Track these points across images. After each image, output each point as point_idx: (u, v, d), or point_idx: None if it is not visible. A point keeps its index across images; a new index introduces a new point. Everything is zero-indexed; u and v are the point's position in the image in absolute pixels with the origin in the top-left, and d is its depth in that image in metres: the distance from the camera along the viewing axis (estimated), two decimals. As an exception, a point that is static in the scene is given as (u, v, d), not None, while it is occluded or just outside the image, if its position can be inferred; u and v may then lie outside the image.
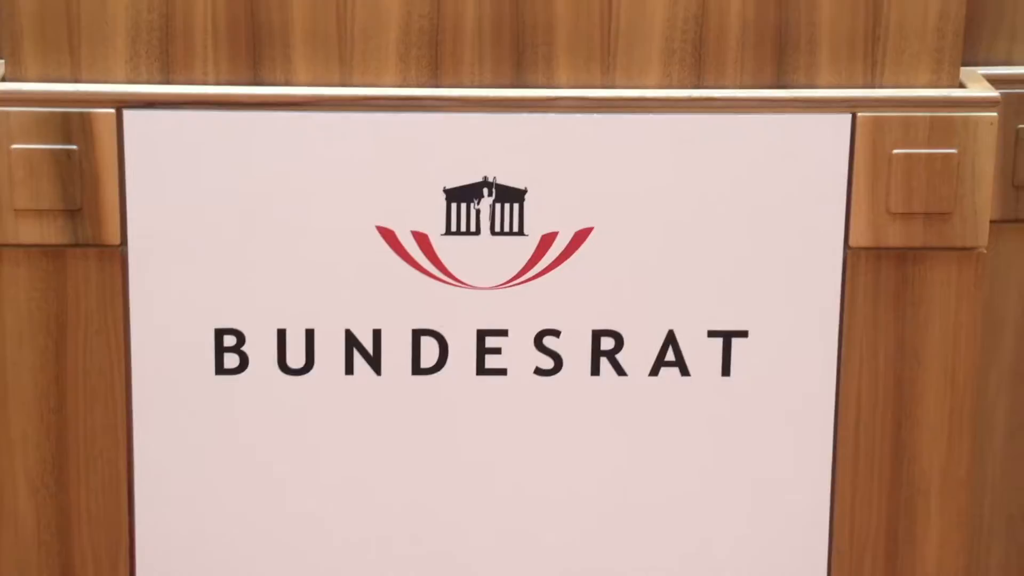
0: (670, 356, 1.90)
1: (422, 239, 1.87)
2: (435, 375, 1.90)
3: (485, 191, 1.86)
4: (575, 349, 1.89)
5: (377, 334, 1.89)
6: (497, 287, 1.88)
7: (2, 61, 1.85)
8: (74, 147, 1.82)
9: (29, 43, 1.82)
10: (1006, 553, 2.13)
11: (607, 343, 1.89)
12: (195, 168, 1.84)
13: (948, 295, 1.87)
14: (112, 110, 1.82)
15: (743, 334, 1.89)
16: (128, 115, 1.82)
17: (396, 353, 1.89)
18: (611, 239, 1.87)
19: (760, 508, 1.93)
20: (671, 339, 1.89)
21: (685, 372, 1.90)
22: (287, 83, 1.85)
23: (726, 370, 1.90)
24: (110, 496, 1.92)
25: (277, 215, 1.85)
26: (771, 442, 1.92)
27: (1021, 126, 1.89)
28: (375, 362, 1.89)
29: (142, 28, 1.83)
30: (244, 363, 1.89)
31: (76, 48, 1.83)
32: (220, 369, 1.88)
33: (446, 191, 1.86)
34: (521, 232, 1.87)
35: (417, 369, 1.89)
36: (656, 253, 1.87)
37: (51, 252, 1.85)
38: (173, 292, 1.86)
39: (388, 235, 1.86)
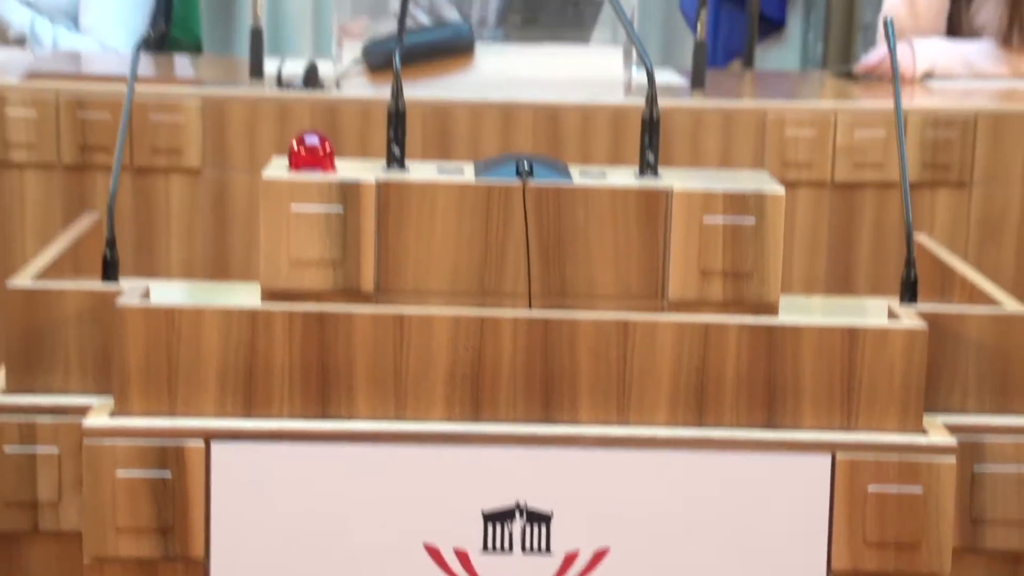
0: (675, 662, 1.86)
1: (463, 556, 1.84)
2: (471, 676, 1.85)
3: (517, 514, 1.84)
4: (593, 654, 1.86)
5: (422, 639, 1.85)
6: (526, 598, 1.85)
7: (111, 398, 1.86)
8: (168, 474, 1.81)
9: (135, 385, 1.83)
10: None
11: (621, 650, 1.85)
12: (271, 491, 1.82)
13: (918, 614, 1.85)
14: (201, 442, 1.82)
15: (739, 644, 1.86)
16: (215, 446, 1.82)
17: (437, 656, 1.85)
18: (625, 558, 1.84)
19: None
20: (677, 647, 1.86)
21: (688, 676, 1.86)
22: (350, 417, 1.85)
23: (724, 676, 1.86)
24: None
25: (340, 532, 1.83)
26: None
27: (976, 468, 1.89)
28: (419, 663, 1.85)
29: (229, 371, 1.84)
30: (305, 662, 1.85)
31: (174, 388, 1.83)
32: (285, 667, 1.84)
33: (484, 514, 1.84)
34: (548, 551, 1.84)
35: (455, 670, 1.85)
36: (664, 571, 1.84)
37: (145, 564, 1.82)
38: (247, 598, 1.84)
39: (434, 552, 1.84)
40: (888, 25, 2.07)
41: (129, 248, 2.76)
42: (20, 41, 3.44)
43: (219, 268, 2.82)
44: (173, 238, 2.81)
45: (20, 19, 3.45)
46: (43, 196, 2.79)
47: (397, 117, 1.96)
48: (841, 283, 2.83)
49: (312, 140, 1.94)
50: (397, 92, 1.95)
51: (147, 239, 2.81)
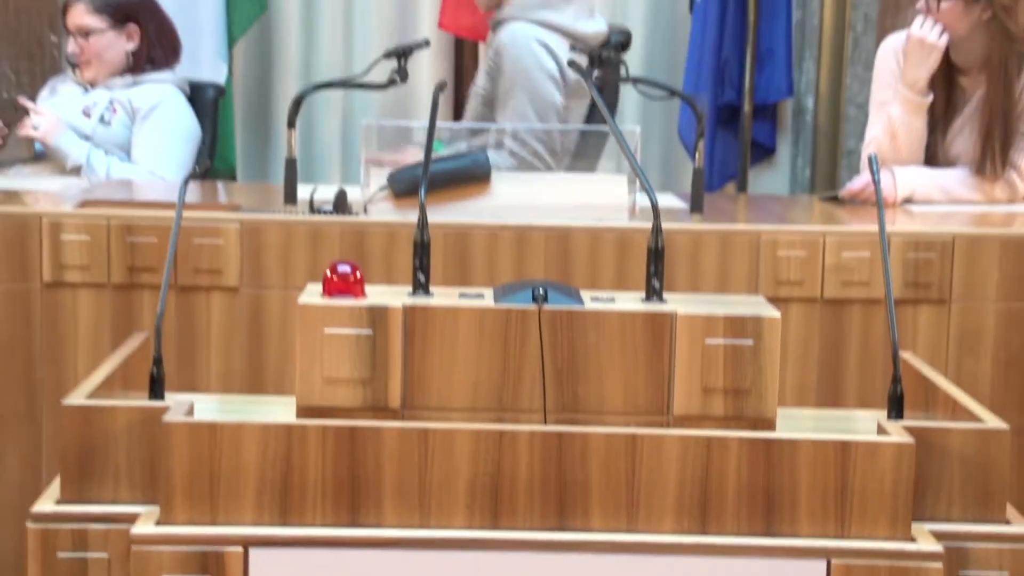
0: None
1: (483, 655, 1.83)
2: None
3: (534, 616, 1.84)
4: None
5: None
6: None
7: (157, 507, 1.86)
8: (209, 578, 1.81)
9: (179, 495, 1.83)
10: None
11: None
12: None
13: None
14: (240, 548, 1.82)
15: None
16: (253, 552, 1.82)
17: None
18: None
19: None
20: None
21: None
22: (378, 525, 1.85)
23: None
24: None
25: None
26: None
27: (961, 573, 1.88)
28: None
29: (266, 482, 1.84)
30: None
31: (215, 498, 1.84)
32: None
33: (503, 616, 1.84)
34: (562, 649, 1.84)
35: None
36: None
37: (186, 654, 1.82)
38: None
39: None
40: (872, 161, 2.09)
41: (173, 361, 2.78)
42: (76, 170, 3.49)
43: (254, 379, 2.83)
44: (213, 352, 2.83)
45: (78, 151, 3.49)
46: (94, 313, 2.81)
47: (422, 247, 1.98)
48: (831, 392, 2.84)
49: (344, 268, 1.96)
50: (422, 224, 1.97)
51: (189, 352, 2.82)
